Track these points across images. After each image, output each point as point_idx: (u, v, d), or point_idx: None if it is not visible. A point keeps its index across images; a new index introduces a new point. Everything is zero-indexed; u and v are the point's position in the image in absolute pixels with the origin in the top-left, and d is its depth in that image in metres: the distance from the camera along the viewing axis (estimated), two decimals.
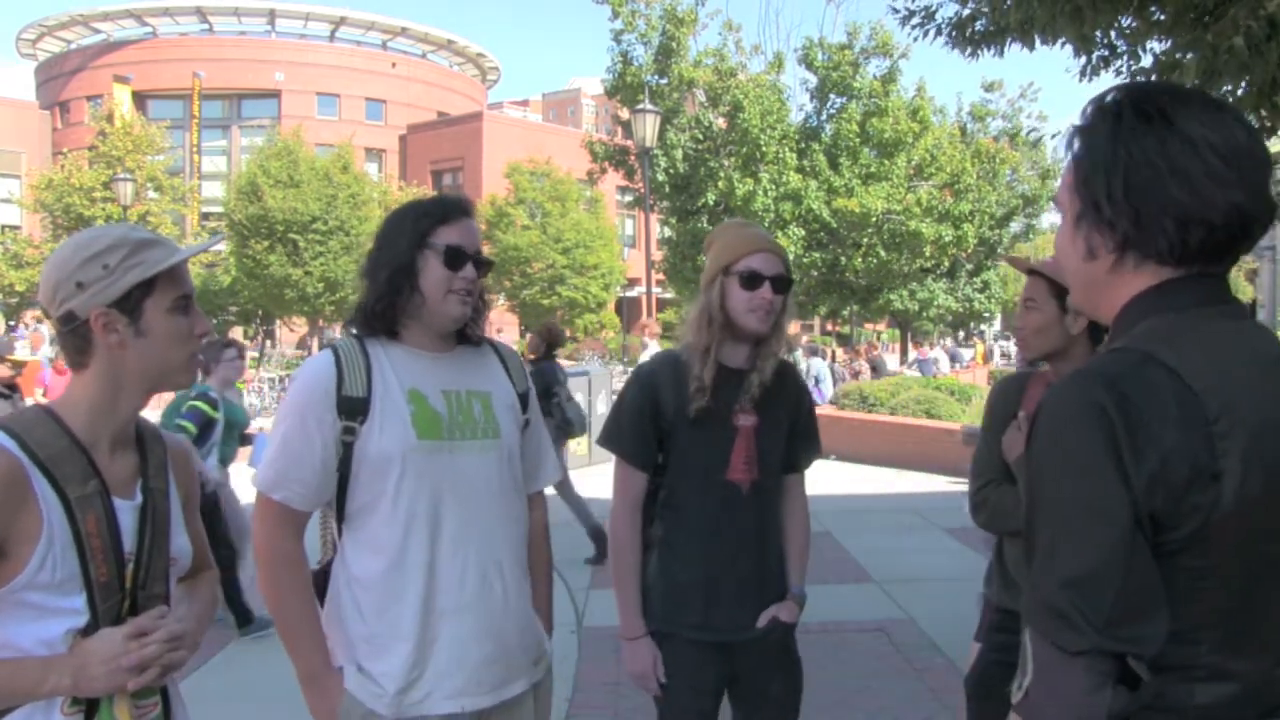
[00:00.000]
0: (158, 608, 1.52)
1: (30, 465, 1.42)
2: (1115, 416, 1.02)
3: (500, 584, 1.94)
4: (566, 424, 6.88)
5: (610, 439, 2.37)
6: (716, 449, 2.28)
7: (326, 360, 1.89)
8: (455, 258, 1.88)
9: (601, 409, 11.85)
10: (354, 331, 1.94)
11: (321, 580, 1.99)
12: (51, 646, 1.43)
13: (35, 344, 14.23)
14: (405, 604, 1.86)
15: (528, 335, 10.58)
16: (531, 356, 7.18)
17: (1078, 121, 1.19)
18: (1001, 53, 5.38)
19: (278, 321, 31.70)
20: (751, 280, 2.23)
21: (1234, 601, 1.07)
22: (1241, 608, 1.07)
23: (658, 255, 22.15)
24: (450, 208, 1.93)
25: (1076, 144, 1.17)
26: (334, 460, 1.86)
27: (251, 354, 25.12)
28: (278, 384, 20.10)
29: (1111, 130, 1.12)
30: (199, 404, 5.23)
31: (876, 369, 19.34)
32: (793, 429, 2.40)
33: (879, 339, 27.91)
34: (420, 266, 1.87)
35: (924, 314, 24.57)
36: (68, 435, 1.47)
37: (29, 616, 1.42)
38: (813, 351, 16.35)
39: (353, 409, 1.84)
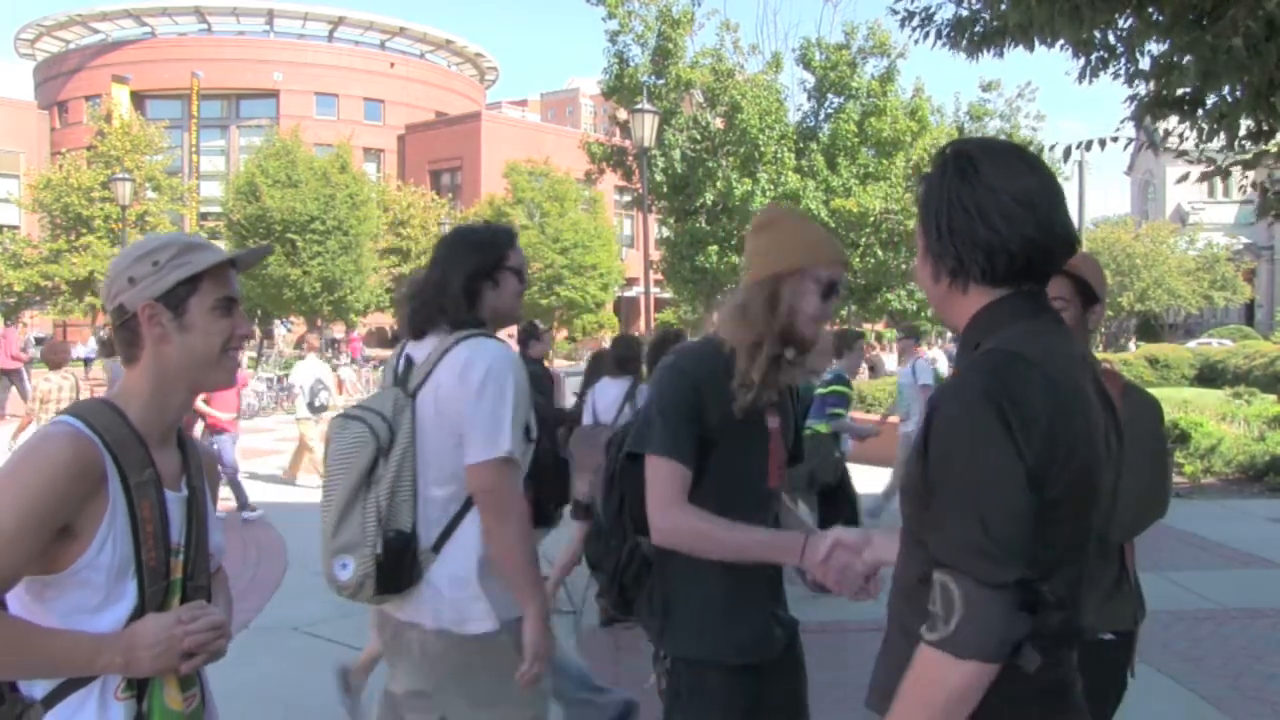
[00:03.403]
0: (199, 600, 1.60)
1: (104, 451, 1.50)
2: (1005, 402, 1.27)
3: None
4: None
5: (659, 440, 2.03)
6: (755, 455, 2.12)
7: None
8: (523, 276, 2.56)
9: None
10: (477, 330, 2.39)
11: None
12: (105, 629, 1.50)
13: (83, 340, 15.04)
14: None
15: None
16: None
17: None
18: (1001, 54, 5.39)
19: (275, 321, 31.66)
20: (830, 291, 2.06)
21: (1067, 553, 1.33)
22: (1071, 558, 1.35)
23: (656, 255, 22.16)
24: (514, 236, 2.57)
25: (921, 189, 1.46)
26: None
27: (250, 354, 25.09)
28: (275, 384, 20.02)
29: (938, 180, 1.43)
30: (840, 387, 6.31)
31: (874, 369, 19.31)
32: (795, 427, 2.35)
33: (880, 339, 27.82)
34: (500, 281, 2.47)
35: (922, 314, 24.58)
36: (128, 425, 1.56)
37: (86, 596, 1.49)
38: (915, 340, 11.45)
39: None
